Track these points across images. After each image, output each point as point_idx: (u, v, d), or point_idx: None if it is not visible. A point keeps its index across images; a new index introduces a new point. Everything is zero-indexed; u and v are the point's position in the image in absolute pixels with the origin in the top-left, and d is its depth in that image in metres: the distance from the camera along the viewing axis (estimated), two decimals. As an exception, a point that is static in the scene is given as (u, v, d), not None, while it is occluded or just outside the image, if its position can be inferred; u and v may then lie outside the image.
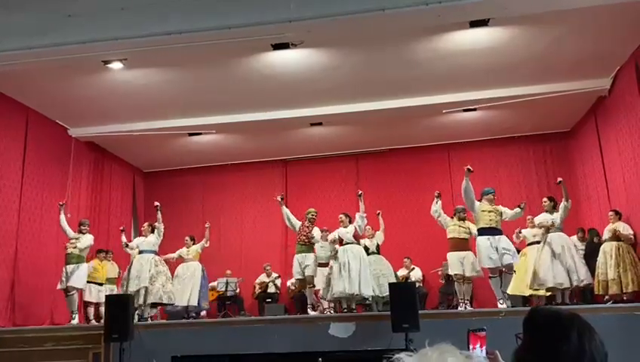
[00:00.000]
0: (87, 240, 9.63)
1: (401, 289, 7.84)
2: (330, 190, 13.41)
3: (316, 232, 9.62)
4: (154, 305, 9.50)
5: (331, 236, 9.44)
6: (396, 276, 10.01)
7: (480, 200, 8.75)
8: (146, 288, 9.15)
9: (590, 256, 9.18)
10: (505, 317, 7.38)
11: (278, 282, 12.41)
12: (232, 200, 13.93)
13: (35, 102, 10.32)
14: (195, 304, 10.24)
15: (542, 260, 8.55)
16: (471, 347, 4.57)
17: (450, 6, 7.20)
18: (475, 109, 11.11)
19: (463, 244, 9.16)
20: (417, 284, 10.02)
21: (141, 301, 9.11)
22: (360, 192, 9.37)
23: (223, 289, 11.62)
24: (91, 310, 10.80)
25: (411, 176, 13.12)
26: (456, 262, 9.03)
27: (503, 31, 8.42)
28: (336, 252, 9.04)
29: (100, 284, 10.90)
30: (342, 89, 10.15)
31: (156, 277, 9.28)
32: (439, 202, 9.25)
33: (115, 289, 10.57)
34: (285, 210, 9.65)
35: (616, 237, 9.14)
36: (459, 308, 8.96)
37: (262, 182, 13.63)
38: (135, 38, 7.83)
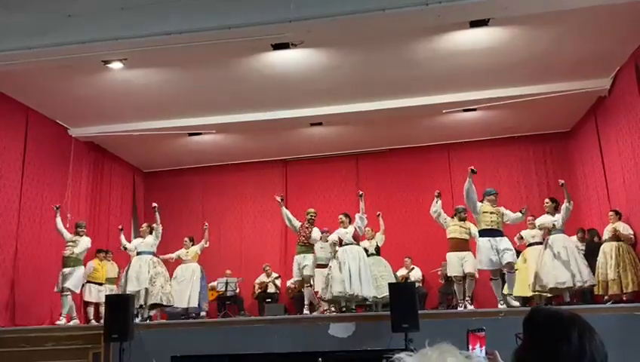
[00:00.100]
0: (84, 243, 9.61)
1: (400, 290, 7.83)
2: (330, 190, 13.41)
3: (315, 233, 9.62)
4: (153, 307, 9.48)
5: (331, 238, 9.42)
6: (396, 277, 9.97)
7: (482, 201, 8.68)
8: (147, 289, 9.14)
9: (590, 256, 9.17)
10: (504, 317, 7.38)
11: (278, 282, 12.41)
12: (232, 200, 13.93)
13: (35, 102, 10.32)
14: (196, 305, 10.24)
15: (543, 263, 8.50)
16: (470, 347, 4.57)
17: (451, 6, 7.19)
18: (475, 109, 11.11)
19: (463, 245, 9.14)
20: (417, 284, 10.01)
21: (142, 302, 9.09)
22: (361, 193, 9.35)
23: (223, 289, 11.62)
24: (91, 310, 10.80)
25: (411, 176, 13.12)
26: (456, 263, 9.01)
27: (503, 31, 8.42)
28: (336, 253, 9.03)
29: (100, 284, 10.91)
30: (342, 89, 10.15)
31: (155, 278, 9.25)
32: (439, 202, 9.21)
33: (114, 289, 10.56)
34: (285, 211, 9.67)
35: (616, 237, 9.14)
36: (458, 308, 8.94)
37: (262, 182, 13.63)
38: (135, 38, 7.84)
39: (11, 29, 8.04)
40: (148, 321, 9.07)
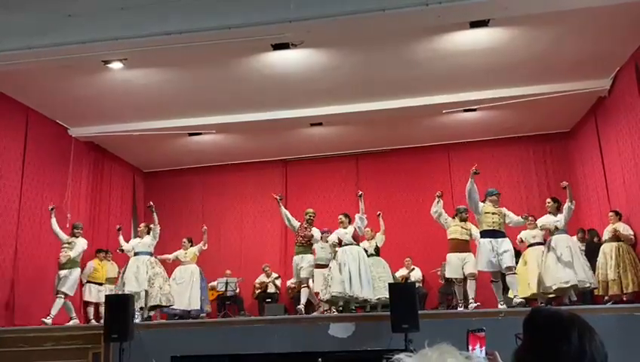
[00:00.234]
0: (80, 245, 9.52)
1: (401, 290, 7.83)
2: (330, 190, 13.41)
3: (316, 232, 9.58)
4: (152, 308, 9.44)
5: (330, 238, 9.38)
6: (394, 278, 9.91)
7: (484, 202, 8.63)
8: (146, 291, 9.08)
9: (590, 257, 9.15)
10: (504, 318, 7.37)
11: (278, 282, 12.41)
12: (232, 200, 13.93)
13: (35, 102, 10.32)
14: (198, 308, 10.24)
15: (546, 265, 8.40)
16: (470, 347, 4.56)
17: (451, 6, 7.20)
18: (475, 109, 11.11)
19: (464, 246, 9.11)
20: (417, 285, 9.99)
21: (142, 304, 9.04)
22: (360, 193, 9.32)
23: (223, 289, 11.61)
24: (91, 310, 10.80)
25: (411, 176, 13.12)
26: (456, 264, 8.97)
27: (503, 31, 8.42)
28: (336, 253, 9.01)
29: (100, 284, 10.90)
30: (342, 89, 10.15)
31: (154, 279, 9.19)
32: (440, 202, 9.17)
33: (114, 290, 10.54)
34: (284, 211, 9.63)
35: (616, 237, 9.14)
36: (459, 308, 8.93)
37: (262, 182, 13.62)
38: (135, 38, 7.84)
39: (11, 29, 8.04)
40: (147, 321, 9.05)
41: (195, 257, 10.69)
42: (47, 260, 10.27)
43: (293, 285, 11.31)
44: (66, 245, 9.47)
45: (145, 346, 7.73)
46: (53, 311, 9.20)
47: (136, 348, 7.54)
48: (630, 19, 8.05)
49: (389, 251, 10.48)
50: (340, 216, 9.34)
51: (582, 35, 8.57)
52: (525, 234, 9.64)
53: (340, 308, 8.82)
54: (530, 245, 9.50)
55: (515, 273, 8.56)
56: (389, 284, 8.39)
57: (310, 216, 9.65)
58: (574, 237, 9.77)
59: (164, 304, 9.35)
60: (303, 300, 9.46)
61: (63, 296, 9.26)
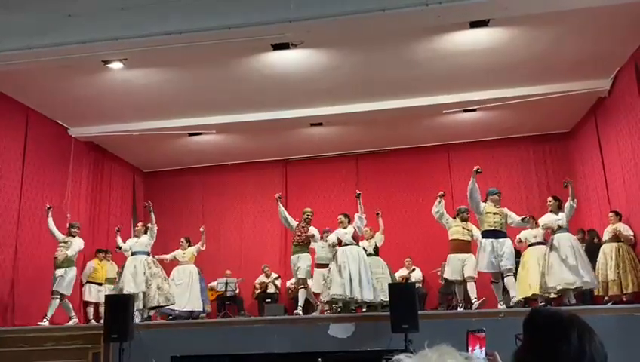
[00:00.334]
0: (76, 244, 9.47)
1: (400, 290, 7.82)
2: (330, 190, 13.41)
3: (315, 231, 9.51)
4: (152, 308, 9.39)
5: (330, 238, 9.34)
6: (393, 278, 9.88)
7: (485, 201, 8.61)
8: (144, 293, 9.03)
9: (590, 257, 9.14)
10: (504, 318, 7.37)
11: (278, 282, 12.40)
12: (232, 201, 13.93)
13: (35, 102, 10.32)
14: (200, 309, 10.21)
15: (550, 264, 8.31)
16: (470, 348, 4.56)
17: (451, 6, 7.20)
18: (475, 110, 11.11)
19: (465, 246, 9.07)
20: (417, 285, 9.98)
21: (141, 306, 8.99)
22: (358, 192, 9.26)
23: (223, 289, 11.61)
24: (91, 310, 10.80)
25: (411, 177, 13.12)
26: (457, 266, 8.92)
27: (503, 31, 8.42)
28: (336, 253, 8.97)
29: (100, 284, 10.90)
30: (342, 89, 10.15)
31: (151, 279, 9.11)
32: (442, 202, 9.11)
33: (113, 290, 10.53)
34: (282, 209, 9.53)
35: (616, 238, 9.13)
36: (459, 309, 8.92)
37: (262, 182, 13.62)
38: (135, 38, 7.84)
39: (11, 29, 8.04)
40: (148, 321, 9.04)
41: (193, 257, 10.64)
42: (47, 260, 10.24)
43: (293, 285, 11.29)
44: (62, 244, 9.40)
45: (145, 346, 7.72)
46: (49, 313, 9.14)
47: (136, 348, 7.54)
48: (630, 19, 8.05)
49: (388, 251, 10.48)
50: (340, 216, 9.29)
51: (582, 35, 8.57)
52: (526, 234, 9.58)
53: (339, 309, 8.81)
54: (531, 244, 9.43)
55: (512, 275, 8.55)
56: (389, 285, 8.39)
57: (308, 215, 9.59)
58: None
59: (162, 304, 9.29)
60: (301, 302, 9.35)
61: (58, 297, 9.19)
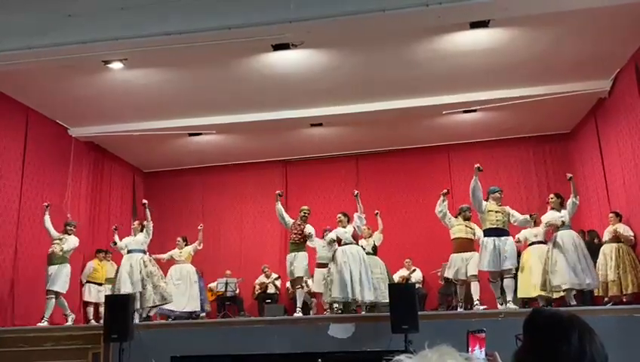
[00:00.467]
0: (72, 241, 9.44)
1: (400, 291, 7.82)
2: (330, 190, 13.41)
3: (311, 229, 9.40)
4: (151, 308, 9.37)
5: (328, 236, 9.34)
6: (390, 279, 9.85)
7: (487, 200, 8.57)
8: (140, 292, 8.99)
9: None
10: (504, 319, 7.37)
11: (278, 283, 12.39)
12: (232, 201, 13.93)
13: (35, 102, 10.32)
14: (199, 309, 10.19)
15: (553, 262, 8.22)
16: (470, 348, 4.56)
17: (451, 7, 7.20)
18: (475, 110, 11.11)
19: (468, 244, 8.98)
20: (417, 285, 9.96)
21: (138, 305, 8.95)
22: (356, 192, 9.23)
23: (223, 289, 11.60)
24: (91, 310, 10.79)
25: (411, 177, 13.13)
26: (460, 265, 8.83)
27: (503, 32, 8.42)
28: (335, 251, 8.94)
29: (100, 284, 10.90)
30: (342, 89, 10.15)
31: (147, 279, 9.06)
32: (445, 201, 9.02)
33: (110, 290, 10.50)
34: (279, 206, 9.46)
35: (616, 238, 9.13)
36: (459, 309, 8.91)
37: (262, 183, 13.62)
38: (135, 38, 7.84)
39: (11, 29, 8.04)
40: (147, 321, 9.04)
41: (189, 256, 10.59)
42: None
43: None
44: (57, 241, 9.35)
45: (145, 346, 7.72)
46: (47, 314, 9.11)
47: (136, 348, 7.53)
48: (630, 20, 8.05)
49: (388, 252, 10.47)
50: (339, 215, 9.27)
51: (582, 35, 8.57)
52: (526, 233, 9.52)
53: (340, 311, 8.80)
54: (531, 244, 9.39)
55: (512, 276, 8.52)
56: (389, 285, 8.38)
57: (305, 213, 9.49)
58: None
59: (158, 303, 9.22)
60: (299, 303, 9.24)
61: (53, 297, 9.13)
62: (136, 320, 8.57)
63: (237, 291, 11.85)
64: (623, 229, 9.20)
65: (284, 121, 11.22)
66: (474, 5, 7.31)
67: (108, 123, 11.38)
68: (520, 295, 9.02)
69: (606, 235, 9.35)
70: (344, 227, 9.10)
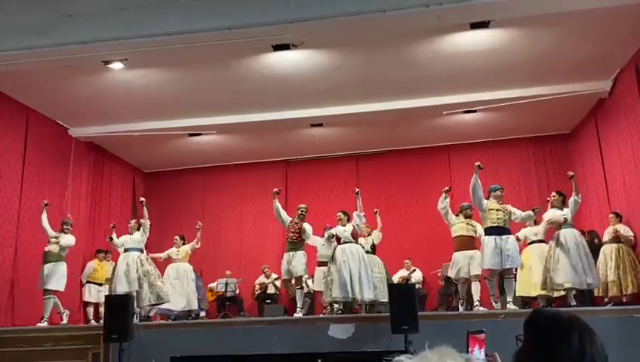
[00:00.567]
0: (69, 239, 9.37)
1: (400, 291, 7.81)
2: (331, 191, 13.41)
3: (307, 227, 9.34)
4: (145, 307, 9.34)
5: (327, 234, 9.29)
6: (389, 278, 9.83)
7: (487, 198, 8.52)
8: (137, 291, 8.94)
9: (590, 258, 9.15)
10: (505, 319, 7.36)
11: (278, 283, 12.37)
12: (232, 201, 13.93)
13: (35, 102, 10.32)
14: (196, 307, 10.17)
15: (555, 260, 8.16)
16: (470, 349, 4.56)
17: (451, 8, 7.20)
18: (475, 111, 11.12)
19: (470, 242, 8.91)
20: (417, 286, 9.95)
21: (135, 305, 8.96)
22: (357, 190, 9.20)
23: (223, 289, 11.60)
24: (91, 310, 10.78)
25: (411, 177, 13.13)
26: (463, 264, 8.77)
27: (503, 33, 8.42)
28: (334, 251, 8.92)
29: (100, 284, 10.89)
30: (342, 90, 10.15)
31: (143, 278, 9.02)
32: (447, 199, 8.96)
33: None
34: (277, 204, 9.42)
35: (616, 239, 9.13)
36: (460, 309, 8.90)
37: (262, 183, 13.58)
38: (135, 38, 7.84)
39: (11, 29, 8.04)
40: (147, 321, 9.03)
41: (187, 255, 10.52)
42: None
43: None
44: (53, 239, 9.29)
45: (145, 346, 7.72)
46: (46, 314, 9.07)
47: (135, 348, 7.53)
48: (631, 20, 8.05)
49: (388, 252, 10.47)
50: (339, 214, 9.24)
51: (582, 36, 8.58)
52: (526, 232, 9.48)
53: (340, 311, 8.79)
54: (532, 242, 9.36)
55: (513, 277, 8.51)
56: (389, 285, 8.38)
57: (302, 211, 9.42)
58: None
59: (154, 302, 9.18)
60: (300, 303, 9.18)
61: (50, 296, 9.08)
62: (135, 320, 8.56)
63: (237, 291, 11.85)
64: (623, 230, 9.20)
65: (284, 121, 11.22)
66: (474, 6, 7.31)
67: (108, 123, 11.38)
68: (519, 293, 9.01)
69: (606, 236, 9.35)
70: (344, 225, 9.09)
